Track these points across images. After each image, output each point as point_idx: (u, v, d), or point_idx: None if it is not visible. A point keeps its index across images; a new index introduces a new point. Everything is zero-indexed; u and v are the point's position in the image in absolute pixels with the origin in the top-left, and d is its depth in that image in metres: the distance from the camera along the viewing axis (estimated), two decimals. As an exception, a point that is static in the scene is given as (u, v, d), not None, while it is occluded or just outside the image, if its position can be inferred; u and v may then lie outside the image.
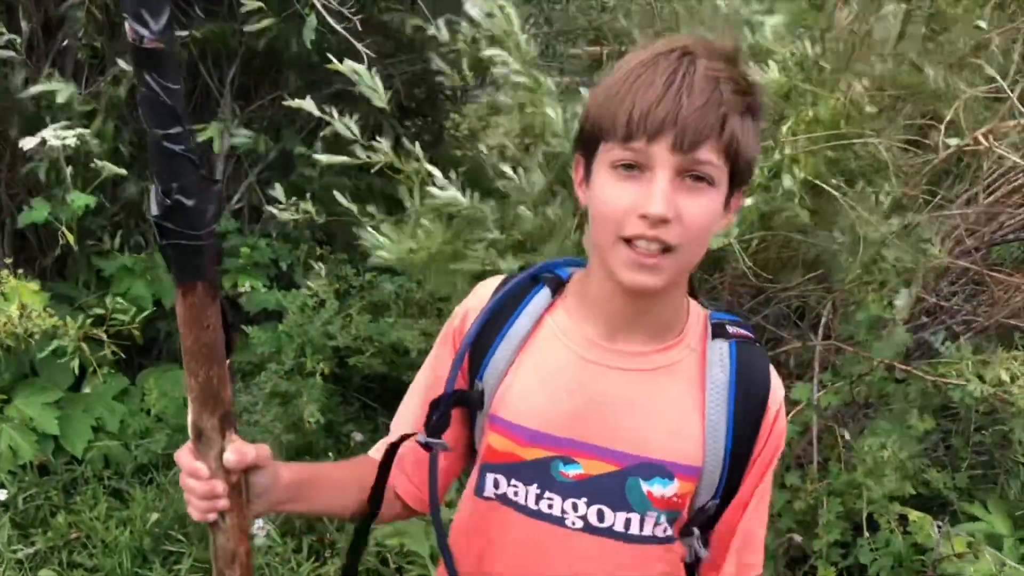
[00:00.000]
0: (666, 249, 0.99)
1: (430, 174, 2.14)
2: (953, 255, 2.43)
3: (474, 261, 2.10)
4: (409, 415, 1.23)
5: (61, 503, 3.14)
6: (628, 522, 1.10)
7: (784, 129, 1.88)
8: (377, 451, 1.23)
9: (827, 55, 1.97)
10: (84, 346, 2.89)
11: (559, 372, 1.11)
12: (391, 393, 3.65)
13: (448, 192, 2.09)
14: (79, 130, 2.92)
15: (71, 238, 3.05)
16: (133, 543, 2.92)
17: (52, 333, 2.86)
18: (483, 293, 1.19)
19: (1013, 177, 2.64)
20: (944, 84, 2.01)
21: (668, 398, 1.10)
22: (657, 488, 1.09)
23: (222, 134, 3.61)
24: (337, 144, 4.06)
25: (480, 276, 2.13)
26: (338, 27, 2.83)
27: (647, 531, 1.11)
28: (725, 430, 1.08)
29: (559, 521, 1.11)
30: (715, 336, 1.12)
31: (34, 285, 2.93)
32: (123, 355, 3.10)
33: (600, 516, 1.10)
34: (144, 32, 0.78)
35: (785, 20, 1.86)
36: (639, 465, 1.09)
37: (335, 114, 2.17)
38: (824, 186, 1.94)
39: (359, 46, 2.51)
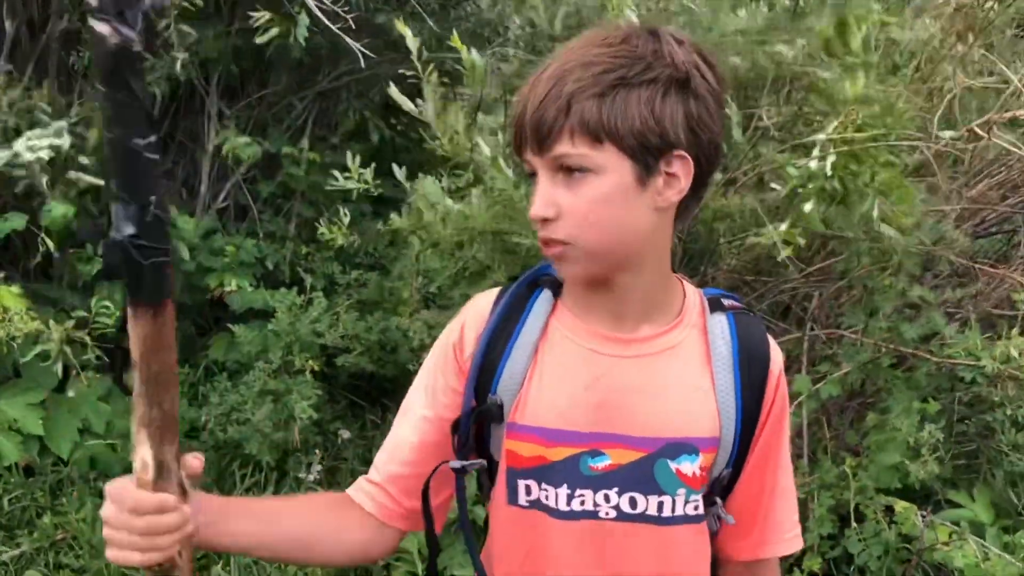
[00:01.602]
0: (562, 243, 1.03)
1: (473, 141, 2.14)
2: (939, 247, 2.46)
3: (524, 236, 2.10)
4: (404, 440, 1.18)
5: (47, 504, 3.12)
6: (661, 505, 1.11)
7: (831, 130, 1.82)
8: (357, 489, 1.19)
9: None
10: (67, 349, 2.87)
11: (574, 370, 1.11)
12: (378, 391, 3.66)
13: (496, 158, 2.08)
14: (53, 140, 2.89)
15: (51, 245, 3.03)
16: (120, 544, 2.90)
17: (35, 336, 2.84)
18: (481, 305, 1.18)
19: (995, 171, 2.68)
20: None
21: (679, 377, 1.11)
22: (686, 465, 1.10)
23: (207, 130, 3.60)
24: (324, 142, 4.07)
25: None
26: (332, 26, 2.83)
27: (679, 511, 1.11)
28: (734, 399, 1.11)
29: (593, 515, 1.11)
30: (713, 311, 1.14)
31: (16, 289, 2.91)
32: (107, 358, 3.08)
33: (633, 503, 1.11)
34: (125, 31, 0.72)
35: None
36: (665, 447, 1.09)
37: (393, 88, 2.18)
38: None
39: (354, 44, 2.51)
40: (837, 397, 2.27)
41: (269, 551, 1.13)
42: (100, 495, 3.18)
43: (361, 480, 1.19)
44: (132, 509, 0.91)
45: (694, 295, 1.16)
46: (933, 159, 2.06)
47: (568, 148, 0.99)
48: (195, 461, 0.95)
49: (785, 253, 1.72)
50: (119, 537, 0.92)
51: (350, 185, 2.45)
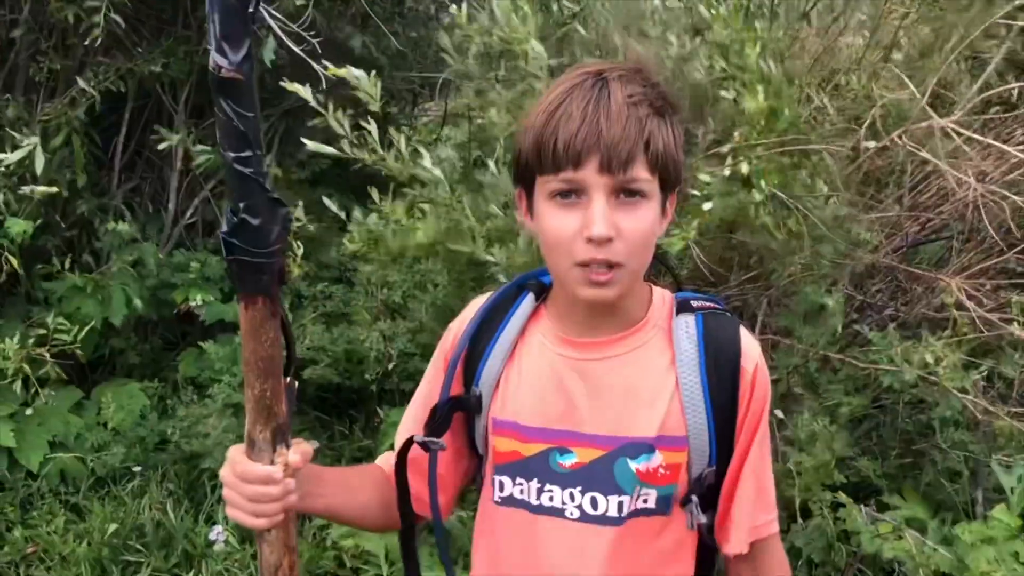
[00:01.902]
0: (614, 265, 1.06)
1: (417, 153, 2.22)
2: (879, 255, 2.57)
3: (469, 245, 2.19)
4: (408, 427, 1.29)
5: (17, 519, 3.15)
6: (620, 505, 1.15)
7: (736, 137, 1.96)
8: (383, 460, 1.31)
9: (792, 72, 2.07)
10: (26, 367, 2.90)
11: (546, 371, 1.19)
12: (345, 403, 3.72)
13: (435, 172, 2.18)
14: (4, 160, 2.93)
15: (16, 263, 3.06)
16: (91, 555, 2.95)
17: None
18: (476, 304, 1.28)
19: (934, 180, 2.80)
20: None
21: (643, 377, 1.16)
22: (643, 464, 1.14)
23: (175, 147, 3.66)
24: (291, 159, 4.13)
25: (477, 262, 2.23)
26: (296, 48, 2.91)
27: (636, 506, 1.16)
28: (702, 397, 1.15)
29: (559, 512, 1.17)
30: (680, 311, 1.20)
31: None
32: (65, 375, 3.12)
33: (594, 503, 1.16)
34: (223, 62, 0.84)
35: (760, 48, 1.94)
36: (625, 446, 1.15)
37: (330, 108, 2.25)
38: (780, 194, 2.03)
39: (318, 67, 2.59)
40: (780, 400, 2.37)
41: (348, 518, 1.27)
42: (70, 508, 3.22)
43: (379, 459, 1.33)
44: (240, 476, 1.02)
45: (661, 298, 1.22)
46: (866, 171, 2.17)
47: (643, 173, 1.06)
48: (295, 456, 1.03)
49: (676, 248, 1.84)
50: (232, 497, 1.04)
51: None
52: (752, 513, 1.20)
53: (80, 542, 3.01)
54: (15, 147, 2.99)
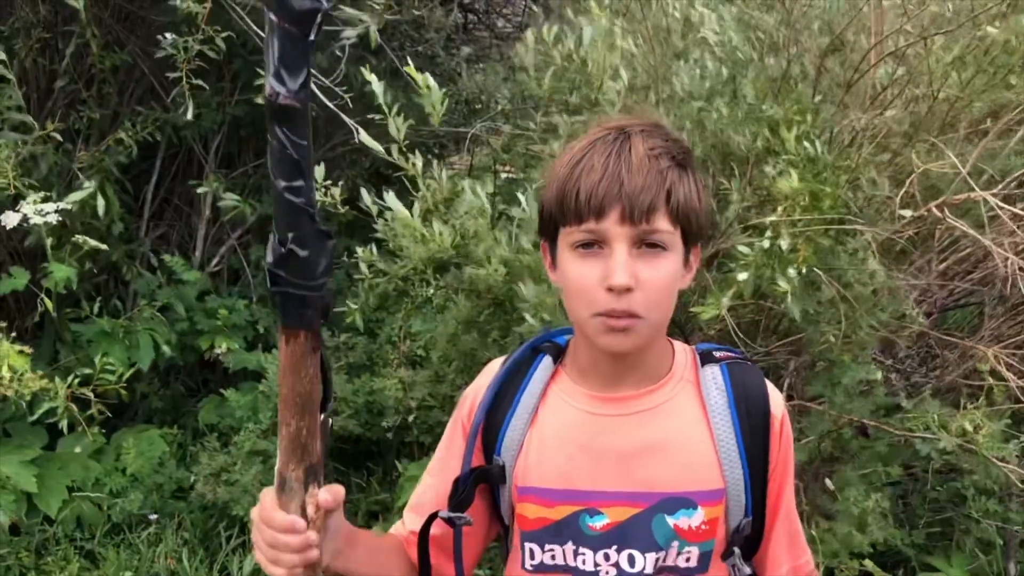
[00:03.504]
0: (634, 315, 1.06)
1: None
2: (915, 325, 2.55)
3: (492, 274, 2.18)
4: (423, 497, 1.27)
5: (31, 564, 3.12)
6: (657, 560, 1.14)
7: (779, 212, 1.94)
8: (397, 531, 1.28)
9: (833, 151, 2.08)
10: (73, 406, 2.92)
11: (571, 432, 1.17)
12: (363, 455, 3.69)
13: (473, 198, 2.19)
14: (60, 204, 2.99)
15: (50, 306, 3.10)
16: (105, 604, 2.92)
17: (42, 395, 2.89)
18: (491, 368, 1.26)
19: (962, 247, 2.79)
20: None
21: (675, 431, 1.15)
22: (683, 520, 1.13)
23: (204, 196, 3.71)
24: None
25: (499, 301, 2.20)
26: (329, 103, 2.96)
27: (670, 562, 1.15)
28: (737, 448, 1.14)
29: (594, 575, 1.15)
30: (704, 363, 1.20)
31: (21, 348, 2.96)
32: (110, 414, 3.13)
33: (631, 561, 1.14)
34: (280, 89, 0.82)
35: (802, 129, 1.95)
36: (661, 502, 1.13)
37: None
38: (817, 270, 2.02)
39: (349, 120, 2.64)
40: (809, 464, 2.34)
41: None
42: (85, 555, 3.20)
43: (392, 529, 1.30)
44: (264, 520, 0.99)
45: (683, 353, 1.22)
46: (905, 240, 2.17)
47: (664, 224, 1.06)
48: (326, 495, 0.99)
49: (707, 315, 1.82)
50: (256, 539, 1.01)
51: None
52: (791, 555, 1.21)
53: (94, 590, 2.98)
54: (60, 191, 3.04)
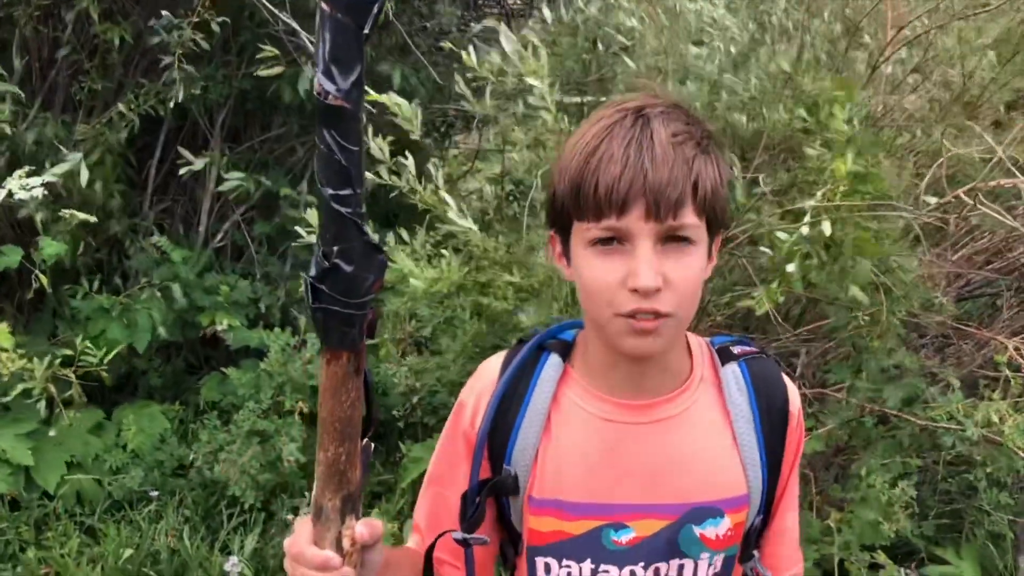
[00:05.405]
0: (662, 315, 0.97)
1: (445, 202, 2.19)
2: (926, 313, 2.50)
3: (499, 301, 2.13)
4: (428, 510, 1.19)
5: (31, 539, 3.10)
6: (681, 568, 1.09)
7: (819, 196, 1.86)
8: (413, 543, 1.20)
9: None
10: (52, 388, 2.86)
11: (588, 441, 1.08)
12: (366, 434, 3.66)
13: (464, 222, 2.14)
14: (46, 178, 2.92)
15: (44, 281, 3.05)
16: (105, 580, 2.89)
17: (20, 375, 2.84)
18: (490, 370, 1.16)
19: (979, 236, 2.74)
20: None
21: (699, 437, 1.09)
22: (710, 529, 1.08)
23: (208, 170, 3.65)
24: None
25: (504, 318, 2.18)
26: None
27: (700, 574, 1.10)
28: (758, 449, 1.09)
29: None
30: (725, 361, 1.13)
31: (5, 327, 2.91)
32: (86, 397, 3.08)
33: (656, 573, 1.09)
34: (330, 88, 0.74)
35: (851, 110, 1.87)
36: (690, 512, 1.08)
37: (369, 133, 2.23)
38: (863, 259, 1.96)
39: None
40: (822, 453, 2.30)
41: None
42: (85, 531, 3.17)
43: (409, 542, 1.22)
44: (295, 557, 0.92)
45: (700, 348, 1.15)
46: (920, 227, 2.12)
47: (691, 218, 0.97)
48: (363, 529, 0.92)
49: (761, 310, 1.77)
50: (289, 573, 0.94)
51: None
52: (796, 556, 1.20)
53: (94, 567, 2.95)
54: (54, 163, 2.98)
